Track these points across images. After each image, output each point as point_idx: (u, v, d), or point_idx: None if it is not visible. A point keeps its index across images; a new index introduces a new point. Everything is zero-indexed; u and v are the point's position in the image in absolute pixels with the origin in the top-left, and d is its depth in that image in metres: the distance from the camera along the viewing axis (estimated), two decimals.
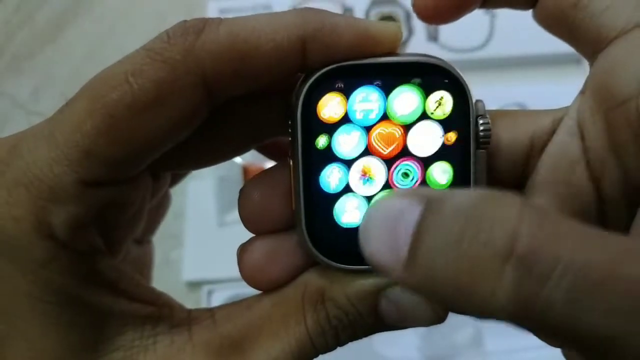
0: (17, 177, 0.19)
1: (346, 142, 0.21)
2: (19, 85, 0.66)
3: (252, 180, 0.22)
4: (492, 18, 0.63)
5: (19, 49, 0.68)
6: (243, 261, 0.22)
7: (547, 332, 0.15)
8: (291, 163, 0.21)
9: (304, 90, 0.20)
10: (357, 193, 0.22)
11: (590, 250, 0.14)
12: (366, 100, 0.21)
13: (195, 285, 0.56)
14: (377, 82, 0.21)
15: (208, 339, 0.21)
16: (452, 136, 0.21)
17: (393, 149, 0.21)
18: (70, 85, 0.20)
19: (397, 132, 0.21)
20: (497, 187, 0.22)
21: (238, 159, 0.56)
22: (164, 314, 0.22)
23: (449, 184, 0.21)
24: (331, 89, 0.21)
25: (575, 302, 0.14)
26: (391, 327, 0.21)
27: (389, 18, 0.64)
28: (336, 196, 0.21)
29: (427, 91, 0.21)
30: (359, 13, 0.65)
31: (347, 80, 0.21)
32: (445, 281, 0.15)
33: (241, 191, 0.22)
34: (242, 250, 0.22)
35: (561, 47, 0.22)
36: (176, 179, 0.28)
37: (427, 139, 0.21)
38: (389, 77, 0.21)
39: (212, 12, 0.66)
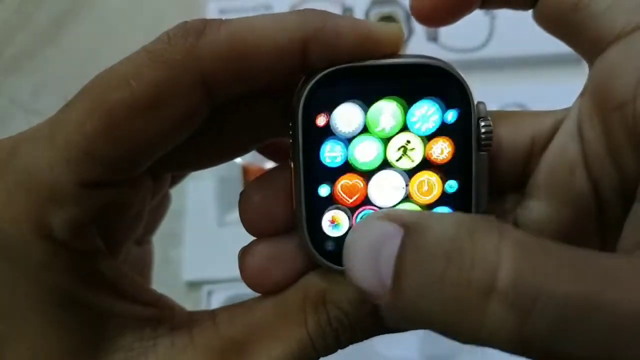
0: (17, 178, 0.19)
1: None
2: (18, 85, 0.66)
3: (252, 183, 0.22)
4: (491, 18, 0.63)
5: (19, 49, 0.68)
6: (244, 264, 0.22)
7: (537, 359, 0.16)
8: (292, 165, 0.21)
9: (305, 92, 0.20)
10: None
11: (568, 281, 0.15)
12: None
13: (195, 285, 0.56)
14: (386, 89, 0.20)
15: (209, 341, 0.21)
16: (452, 139, 0.21)
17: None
18: (70, 85, 0.20)
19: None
20: (497, 188, 0.22)
21: (238, 159, 0.56)
22: (164, 316, 0.22)
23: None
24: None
25: (558, 334, 0.14)
26: (391, 329, 0.21)
27: (389, 18, 0.64)
28: None
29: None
30: (359, 13, 0.65)
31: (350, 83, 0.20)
32: (432, 315, 0.16)
33: (242, 194, 0.22)
34: (244, 253, 0.22)
35: (561, 47, 0.22)
36: (176, 179, 0.28)
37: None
38: (399, 82, 0.20)
39: (212, 13, 0.66)
